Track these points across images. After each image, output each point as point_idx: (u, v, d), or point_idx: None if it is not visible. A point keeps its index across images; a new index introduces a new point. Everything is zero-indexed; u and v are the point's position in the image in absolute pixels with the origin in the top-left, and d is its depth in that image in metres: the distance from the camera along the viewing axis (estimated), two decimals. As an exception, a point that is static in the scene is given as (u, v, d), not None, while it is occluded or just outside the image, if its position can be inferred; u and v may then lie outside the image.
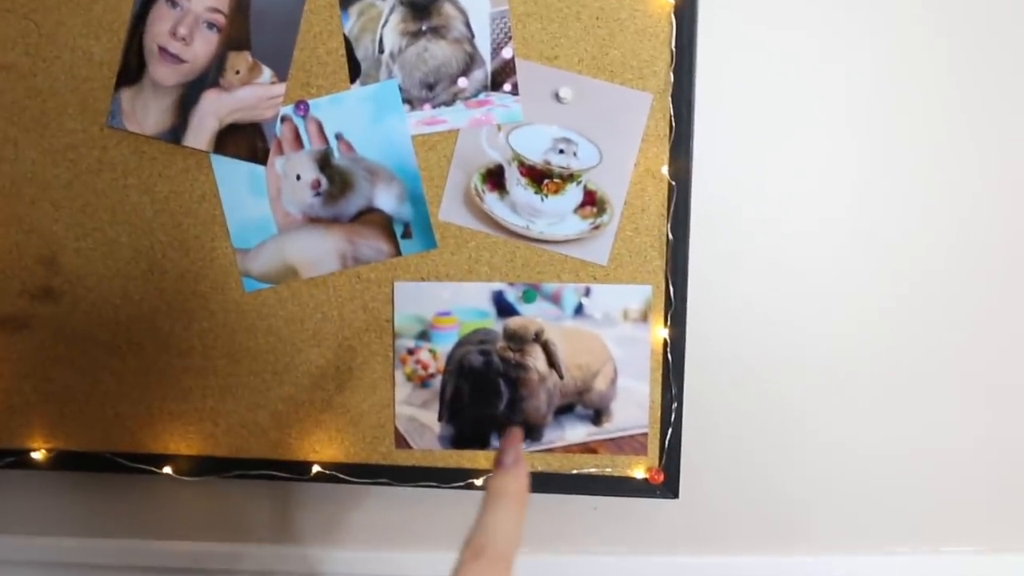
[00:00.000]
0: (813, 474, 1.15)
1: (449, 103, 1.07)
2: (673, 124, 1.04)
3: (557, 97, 1.05)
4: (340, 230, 1.09)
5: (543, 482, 1.12)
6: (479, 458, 1.13)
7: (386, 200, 1.08)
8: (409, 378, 1.12)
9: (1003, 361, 1.13)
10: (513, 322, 1.09)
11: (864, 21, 1.05)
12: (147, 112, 1.09)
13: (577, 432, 1.12)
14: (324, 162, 1.08)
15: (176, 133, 1.09)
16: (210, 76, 1.07)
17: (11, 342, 1.15)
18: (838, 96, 1.07)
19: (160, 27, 1.06)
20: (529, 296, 1.09)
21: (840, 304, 1.11)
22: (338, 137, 1.08)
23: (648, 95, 1.04)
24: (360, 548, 1.21)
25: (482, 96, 1.06)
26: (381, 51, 1.06)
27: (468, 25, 1.05)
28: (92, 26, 1.07)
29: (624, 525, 1.18)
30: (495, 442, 1.11)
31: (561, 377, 1.10)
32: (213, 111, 1.08)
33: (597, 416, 1.11)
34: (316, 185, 1.08)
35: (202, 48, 1.07)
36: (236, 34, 1.06)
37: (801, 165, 1.08)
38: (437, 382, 1.12)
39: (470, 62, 1.05)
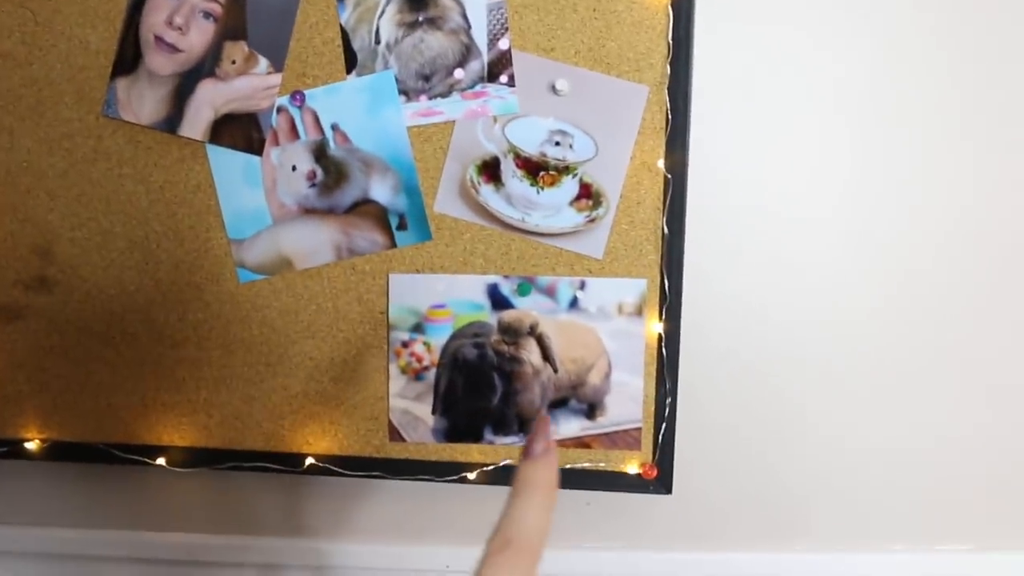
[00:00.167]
0: (808, 471, 1.18)
1: (445, 94, 1.09)
2: (669, 117, 1.07)
3: (553, 89, 1.08)
4: (335, 221, 1.12)
5: (537, 476, 1.15)
6: (473, 451, 1.15)
7: (381, 191, 1.11)
8: (403, 371, 1.14)
9: (1000, 358, 1.15)
10: (508, 315, 1.12)
11: (860, 16, 1.08)
12: (143, 101, 1.12)
13: (571, 426, 1.14)
14: (320, 153, 1.11)
15: (172, 123, 1.12)
16: (206, 66, 1.10)
17: (5, 332, 1.18)
18: (834, 90, 1.10)
19: (156, 16, 1.09)
20: (524, 289, 1.11)
21: (837, 299, 1.13)
22: (334, 128, 1.11)
23: (644, 88, 1.07)
24: (353, 541, 1.23)
25: (478, 87, 1.09)
26: (377, 42, 1.09)
27: (465, 16, 1.07)
28: (88, 15, 1.10)
29: (618, 521, 1.20)
30: (489, 435, 1.14)
31: (555, 371, 1.13)
32: (209, 101, 1.11)
33: (591, 410, 1.14)
34: (311, 176, 1.11)
35: (198, 38, 1.10)
36: (232, 24, 1.09)
37: (798, 159, 1.11)
38: (431, 375, 1.14)
39: (466, 53, 1.08)
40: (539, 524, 0.62)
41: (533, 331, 1.12)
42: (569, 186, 1.09)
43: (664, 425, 1.13)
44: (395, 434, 1.16)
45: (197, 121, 1.11)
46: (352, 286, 1.13)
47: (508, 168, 1.09)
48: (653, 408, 1.13)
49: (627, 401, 1.13)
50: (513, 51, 1.07)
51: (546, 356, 1.12)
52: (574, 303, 1.11)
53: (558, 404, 1.13)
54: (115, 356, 1.18)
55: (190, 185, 1.13)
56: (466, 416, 1.14)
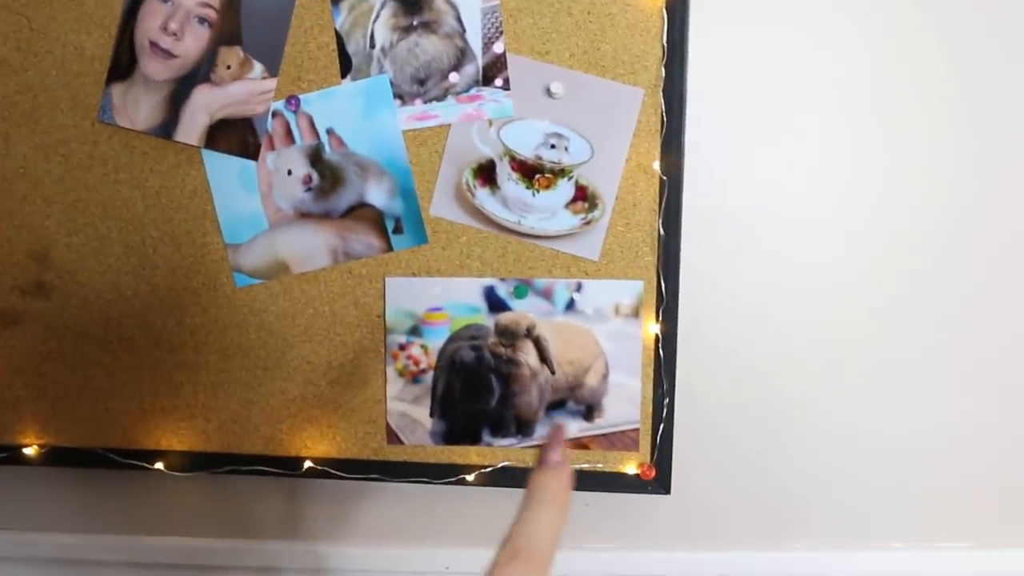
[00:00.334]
0: (807, 470, 1.21)
1: (440, 98, 1.13)
2: (665, 119, 1.10)
3: (548, 92, 1.12)
4: (331, 225, 1.16)
5: (535, 478, 1.19)
6: (470, 454, 1.19)
7: (377, 195, 1.15)
8: (401, 374, 1.18)
9: (999, 357, 1.18)
10: (504, 317, 1.16)
11: (857, 16, 1.11)
12: (138, 107, 1.15)
13: (569, 428, 1.18)
14: (315, 157, 1.15)
15: (167, 128, 1.15)
16: (201, 71, 1.14)
17: (2, 337, 1.21)
18: (830, 91, 1.13)
19: (151, 22, 1.13)
20: (520, 291, 1.15)
21: (833, 299, 1.17)
22: (329, 132, 1.14)
23: (639, 90, 1.11)
24: (351, 543, 1.27)
25: (473, 91, 1.13)
26: (372, 46, 1.12)
27: (459, 20, 1.11)
28: (83, 21, 1.14)
29: (617, 521, 1.24)
30: (487, 437, 1.18)
31: (553, 372, 1.17)
32: (204, 106, 1.15)
33: (589, 412, 1.17)
34: (307, 180, 1.15)
35: (193, 43, 1.14)
36: (227, 29, 1.13)
37: (793, 160, 1.14)
38: (428, 378, 1.18)
39: (461, 57, 1.12)
40: (550, 535, 0.64)
41: (530, 333, 1.16)
42: (565, 189, 1.13)
43: (662, 426, 1.17)
44: (393, 437, 1.20)
45: (193, 126, 1.15)
46: (349, 290, 1.17)
47: (504, 171, 1.13)
48: (651, 409, 1.17)
49: (625, 402, 1.16)
50: (508, 54, 1.11)
51: (543, 358, 1.16)
52: (571, 305, 1.15)
53: (556, 406, 1.17)
54: (113, 361, 1.21)
55: (186, 190, 1.17)
56: (464, 418, 1.18)
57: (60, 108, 1.16)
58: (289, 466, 1.21)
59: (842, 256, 1.16)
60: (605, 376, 1.16)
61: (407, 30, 1.11)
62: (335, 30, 1.12)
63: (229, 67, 1.13)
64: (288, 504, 1.26)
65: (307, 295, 1.17)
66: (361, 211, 1.15)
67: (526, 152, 1.12)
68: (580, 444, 1.18)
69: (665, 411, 1.17)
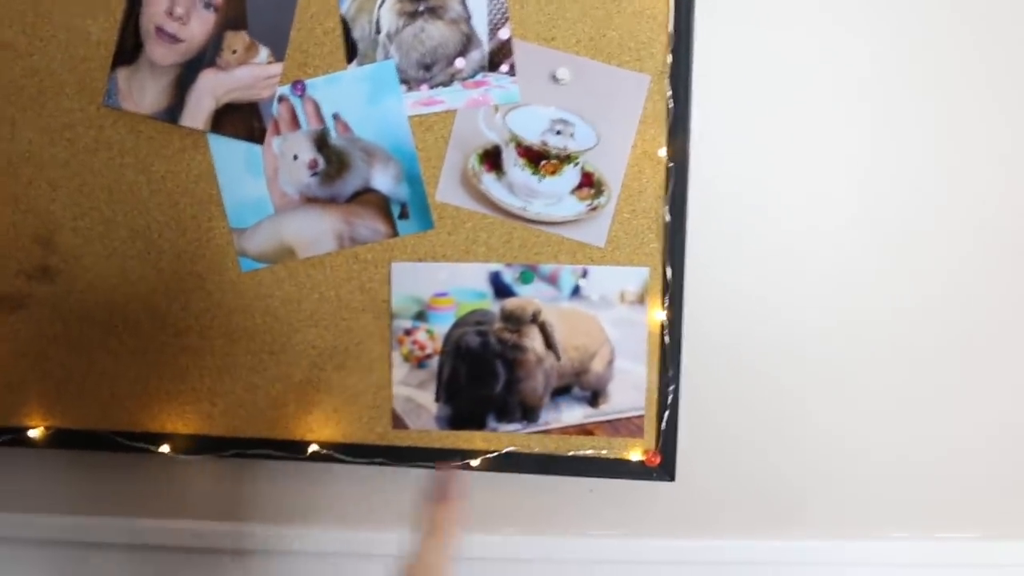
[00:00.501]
0: (810, 458, 1.25)
1: (446, 84, 1.17)
2: (671, 106, 1.14)
3: (554, 78, 1.15)
4: (337, 210, 1.20)
5: (539, 464, 1.22)
6: (476, 439, 1.23)
7: (383, 180, 1.19)
8: (406, 359, 1.23)
9: (1003, 350, 1.22)
10: (510, 303, 1.20)
11: (868, 3, 1.14)
12: (144, 91, 1.19)
13: (574, 414, 1.22)
14: (321, 142, 1.18)
15: (173, 113, 1.19)
16: (207, 56, 1.17)
17: (8, 321, 1.25)
18: (838, 79, 1.16)
19: (157, 7, 1.16)
20: (526, 277, 1.19)
21: (838, 287, 1.20)
22: (335, 117, 1.18)
23: (646, 77, 1.14)
24: (355, 527, 1.30)
25: (479, 77, 1.16)
26: (378, 31, 1.16)
27: (465, 5, 1.14)
28: (89, 5, 1.17)
29: (620, 508, 1.27)
30: (492, 423, 1.22)
31: (558, 358, 1.21)
32: (210, 91, 1.18)
33: (594, 398, 1.21)
34: (313, 165, 1.19)
35: (199, 28, 1.17)
36: (233, 14, 1.16)
37: (800, 148, 1.17)
38: (434, 363, 1.22)
39: (467, 43, 1.16)
40: (443, 562, 0.72)
41: (536, 319, 1.20)
42: (570, 175, 1.17)
43: (667, 413, 1.20)
44: (398, 421, 1.24)
45: (198, 111, 1.19)
46: (354, 275, 1.21)
47: (510, 157, 1.17)
48: (656, 396, 1.20)
49: (630, 389, 1.20)
50: (514, 40, 1.14)
51: (549, 344, 1.20)
52: (576, 291, 1.19)
53: (561, 391, 1.21)
54: (118, 344, 1.25)
55: (192, 175, 1.21)
56: (469, 404, 1.22)
57: (66, 92, 1.20)
58: (294, 450, 1.25)
59: (847, 245, 1.20)
60: (610, 362, 1.20)
61: (413, 16, 1.14)
62: (341, 15, 1.15)
63: (235, 52, 1.16)
64: (293, 488, 1.30)
65: (313, 280, 1.21)
66: (367, 196, 1.19)
67: (532, 138, 1.16)
68: (585, 430, 1.22)
69: (670, 398, 1.20)
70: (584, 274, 1.18)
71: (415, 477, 1.27)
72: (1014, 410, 1.24)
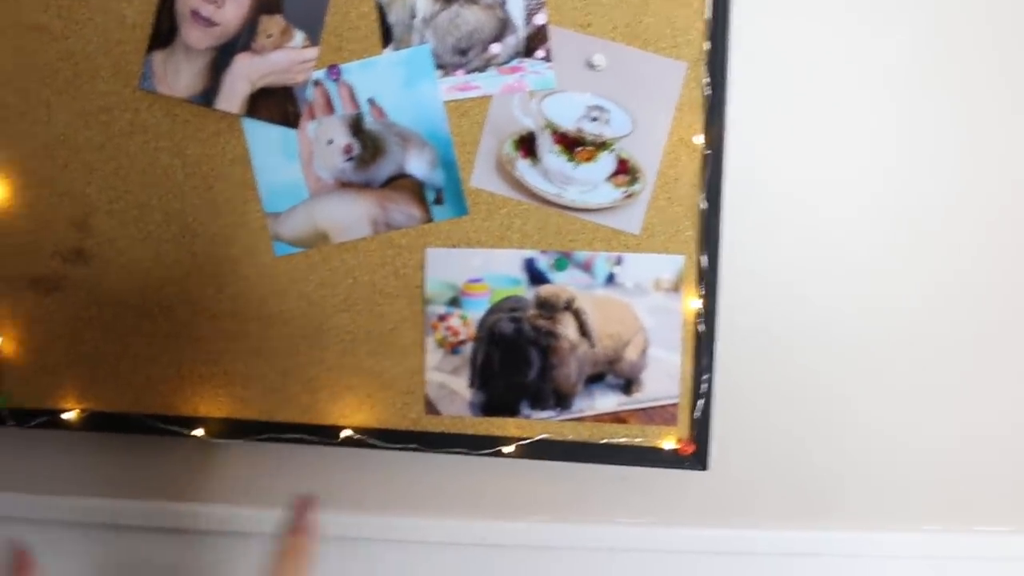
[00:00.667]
0: (844, 449, 1.27)
1: (482, 69, 1.20)
2: (707, 93, 1.17)
3: (590, 64, 1.18)
4: (372, 195, 1.24)
5: (571, 451, 1.26)
6: (509, 425, 1.27)
7: (418, 166, 1.22)
8: (440, 344, 1.26)
9: (1044, 336, 1.24)
10: (544, 290, 1.23)
11: (905, -9, 1.17)
12: (179, 75, 1.23)
13: (607, 401, 1.25)
14: (356, 127, 1.22)
15: (208, 96, 1.23)
16: (242, 39, 1.21)
17: (44, 303, 1.30)
18: (876, 67, 1.18)
19: (193, -10, 1.20)
20: (561, 264, 1.23)
21: (874, 276, 1.22)
22: (370, 102, 1.21)
23: (682, 63, 1.17)
24: (387, 513, 1.34)
25: (515, 62, 1.19)
26: (414, 16, 1.19)
27: (501, -10, 1.18)
28: (125, -12, 1.21)
29: (652, 496, 1.30)
30: (525, 409, 1.25)
31: (592, 346, 1.24)
32: (245, 75, 1.22)
33: (627, 386, 1.25)
34: (348, 150, 1.23)
35: (234, 11, 1.21)
36: (269, -3, 1.20)
37: (836, 135, 1.19)
38: (468, 349, 1.25)
39: (503, 28, 1.19)
40: None
41: (570, 306, 1.23)
42: (606, 161, 1.20)
43: (701, 401, 1.23)
44: (431, 407, 1.27)
45: (233, 95, 1.22)
46: (389, 260, 1.25)
47: (545, 143, 1.20)
48: (690, 384, 1.23)
49: (664, 377, 1.24)
50: (550, 26, 1.17)
51: (583, 331, 1.23)
52: (611, 278, 1.22)
53: (595, 379, 1.24)
54: (152, 328, 1.30)
55: (226, 158, 1.24)
56: (503, 390, 1.26)
57: (101, 76, 1.23)
58: (327, 435, 1.28)
59: (884, 234, 1.21)
60: (644, 350, 1.23)
61: (449, 1, 1.18)
62: (376, 0, 1.18)
63: (270, 36, 1.20)
64: (324, 473, 1.34)
65: (347, 265, 1.25)
66: (402, 181, 1.22)
67: (567, 124, 1.19)
68: (618, 418, 1.25)
69: (704, 386, 1.23)
70: (619, 261, 1.21)
71: (448, 463, 1.30)
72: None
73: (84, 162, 1.25)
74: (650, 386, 1.23)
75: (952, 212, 1.21)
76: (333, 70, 1.19)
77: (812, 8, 1.16)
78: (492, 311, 1.23)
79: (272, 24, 1.18)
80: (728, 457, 1.27)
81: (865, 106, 1.19)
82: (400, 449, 1.28)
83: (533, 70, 1.17)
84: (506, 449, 1.26)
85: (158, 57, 1.21)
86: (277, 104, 1.21)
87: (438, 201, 1.21)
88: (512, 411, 1.26)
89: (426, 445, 1.28)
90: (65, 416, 1.32)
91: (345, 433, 1.28)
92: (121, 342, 1.30)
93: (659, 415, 1.24)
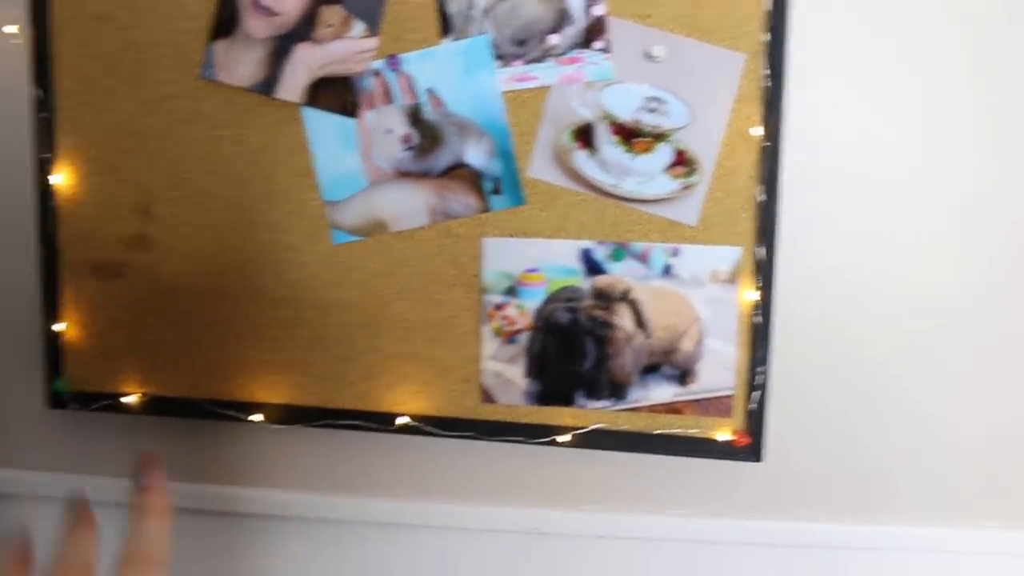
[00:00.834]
0: (901, 442, 1.29)
1: (540, 60, 1.23)
2: (766, 85, 1.20)
3: (649, 55, 1.22)
4: (430, 184, 1.28)
5: (626, 441, 1.29)
6: (564, 415, 1.30)
7: (476, 155, 1.26)
8: (496, 334, 1.30)
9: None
10: (601, 280, 1.27)
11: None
12: (240, 64, 1.28)
13: (662, 392, 1.28)
14: (415, 117, 1.26)
15: (268, 85, 1.28)
16: (302, 29, 1.25)
17: (106, 289, 1.35)
18: (936, 60, 1.20)
19: (255, -19, 1.25)
20: (617, 255, 1.26)
21: (933, 268, 1.24)
22: (429, 92, 1.25)
23: (741, 55, 1.20)
24: (442, 501, 1.38)
25: (573, 53, 1.23)
26: (473, 6, 1.23)
27: (561, -19, 1.21)
28: (188, -21, 1.25)
29: (706, 487, 1.33)
30: (580, 399, 1.29)
31: (648, 336, 1.27)
32: (305, 64, 1.27)
33: (683, 377, 1.28)
34: (407, 139, 1.27)
35: (295, 1, 1.25)
36: (329, -12, 1.24)
37: (895, 127, 1.21)
38: (524, 338, 1.29)
39: (562, 19, 1.22)
40: (164, 545, 0.77)
41: (626, 297, 1.26)
42: (663, 153, 1.23)
43: (756, 393, 1.26)
44: (487, 396, 1.31)
45: (293, 84, 1.27)
46: (446, 249, 1.29)
47: (602, 134, 1.24)
48: (745, 376, 1.26)
49: (719, 368, 1.27)
50: (609, 17, 1.21)
51: (639, 322, 1.27)
52: (667, 270, 1.25)
53: (650, 370, 1.27)
54: (212, 314, 1.34)
55: (286, 147, 1.29)
56: (558, 380, 1.29)
57: (164, 65, 1.28)
58: (383, 422, 1.32)
59: (943, 227, 1.23)
60: (700, 342, 1.26)
61: (508, -9, 1.21)
62: (436, -10, 1.22)
63: (330, 26, 1.24)
64: (380, 459, 1.38)
65: (404, 253, 1.29)
66: (460, 171, 1.26)
67: (625, 115, 1.22)
68: (673, 409, 1.28)
69: (760, 378, 1.25)
70: (675, 253, 1.24)
71: (503, 452, 1.34)
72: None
73: (146, 150, 1.30)
74: (705, 377, 1.26)
75: (1010, 202, 1.22)
76: (392, 60, 1.23)
77: (872, 0, 1.18)
78: (549, 301, 1.27)
79: (332, 14, 1.23)
80: (783, 449, 1.29)
81: (922, 98, 1.21)
82: (456, 437, 1.32)
83: (591, 61, 1.20)
84: (561, 438, 1.29)
85: (219, 46, 1.26)
86: (336, 94, 1.25)
87: (496, 191, 1.24)
88: (567, 401, 1.29)
89: (482, 433, 1.31)
90: (125, 400, 1.37)
91: (401, 420, 1.32)
92: (181, 328, 1.34)
93: (714, 406, 1.26)
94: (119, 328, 1.35)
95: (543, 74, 1.21)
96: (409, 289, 1.28)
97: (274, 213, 1.29)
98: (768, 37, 1.17)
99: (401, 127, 1.23)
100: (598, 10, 1.18)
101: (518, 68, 1.21)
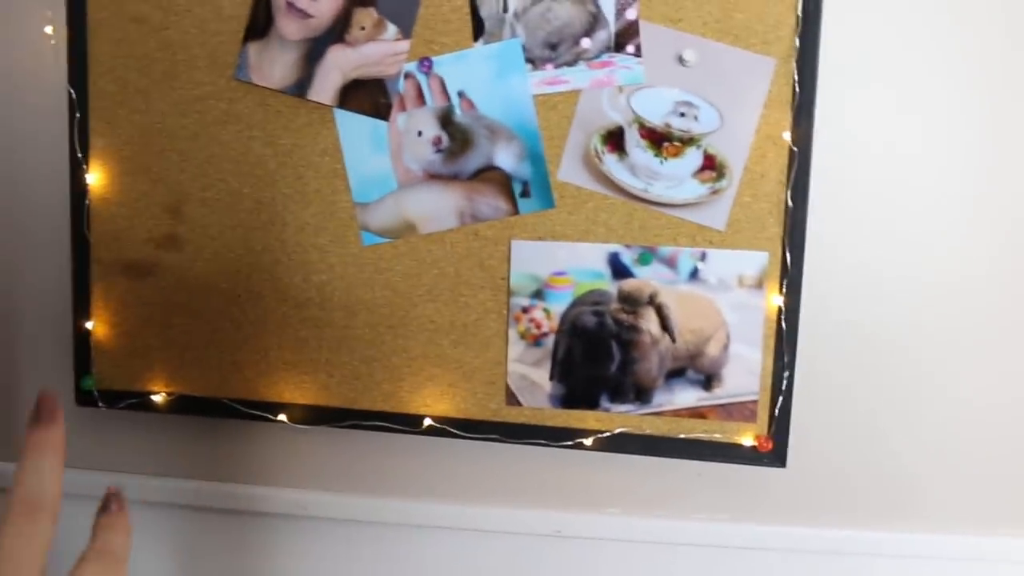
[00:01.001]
0: (928, 449, 1.27)
1: (571, 63, 1.22)
2: (796, 90, 1.18)
3: (680, 60, 1.20)
4: (459, 187, 1.26)
5: (649, 445, 1.27)
6: (589, 418, 1.28)
7: (506, 158, 1.25)
8: (522, 336, 1.28)
9: None
10: (628, 284, 1.25)
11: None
12: (273, 66, 1.27)
13: (687, 396, 1.26)
14: (446, 119, 1.25)
15: (301, 87, 1.26)
16: (335, 31, 1.24)
17: (136, 288, 1.34)
18: (967, 67, 1.18)
19: (290, -17, 1.24)
20: (645, 259, 1.24)
21: (962, 274, 1.22)
22: (460, 95, 1.24)
23: (772, 60, 1.18)
24: (466, 502, 1.36)
25: (605, 57, 1.21)
26: (505, 10, 1.21)
27: (593, -14, 1.20)
28: (224, -19, 1.25)
29: (729, 493, 1.31)
30: (605, 403, 1.27)
31: (674, 341, 1.25)
32: (338, 66, 1.25)
33: (708, 381, 1.26)
34: (437, 142, 1.25)
35: (328, 3, 1.24)
36: (363, -9, 1.23)
37: (924, 134, 1.20)
38: (550, 341, 1.27)
39: (593, 23, 1.21)
40: (56, 483, 0.71)
41: (653, 301, 1.25)
42: (693, 157, 1.21)
43: (781, 398, 1.24)
44: (512, 398, 1.29)
45: (326, 86, 1.26)
46: (474, 251, 1.27)
47: (632, 138, 1.22)
48: (770, 381, 1.24)
49: (745, 373, 1.25)
50: (640, 21, 1.19)
51: (665, 326, 1.25)
52: (695, 274, 1.24)
53: (675, 374, 1.25)
54: (240, 314, 1.33)
55: (317, 149, 1.27)
56: (583, 383, 1.27)
57: (198, 66, 1.27)
58: (409, 423, 1.31)
59: (973, 233, 1.22)
60: (726, 346, 1.24)
61: (541, -5, 1.20)
62: (469, -6, 1.21)
63: (363, 28, 1.23)
64: (405, 461, 1.36)
65: (433, 255, 1.27)
66: (489, 174, 1.24)
67: (655, 120, 1.21)
68: (698, 413, 1.26)
69: (785, 384, 1.23)
70: (703, 257, 1.22)
71: (527, 454, 1.32)
72: None
73: (179, 150, 1.29)
74: (730, 382, 1.24)
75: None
76: (424, 63, 1.22)
77: (905, 6, 1.17)
78: (575, 304, 1.25)
79: (365, 17, 1.22)
80: (807, 454, 1.28)
81: (952, 105, 1.19)
82: (480, 439, 1.30)
83: (623, 65, 1.19)
84: (586, 441, 1.27)
85: (253, 48, 1.24)
86: (369, 96, 1.24)
87: (525, 194, 1.23)
88: (592, 404, 1.27)
89: (506, 436, 1.29)
90: (153, 399, 1.36)
91: (426, 422, 1.30)
92: (209, 327, 1.33)
93: (739, 411, 1.25)
94: (147, 327, 1.33)
95: (574, 78, 1.19)
96: (437, 291, 1.27)
97: (304, 214, 1.27)
98: (799, 42, 1.14)
99: (432, 129, 1.22)
100: (630, 14, 1.17)
101: (549, 72, 1.19)
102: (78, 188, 1.32)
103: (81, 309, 1.35)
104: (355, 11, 1.22)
